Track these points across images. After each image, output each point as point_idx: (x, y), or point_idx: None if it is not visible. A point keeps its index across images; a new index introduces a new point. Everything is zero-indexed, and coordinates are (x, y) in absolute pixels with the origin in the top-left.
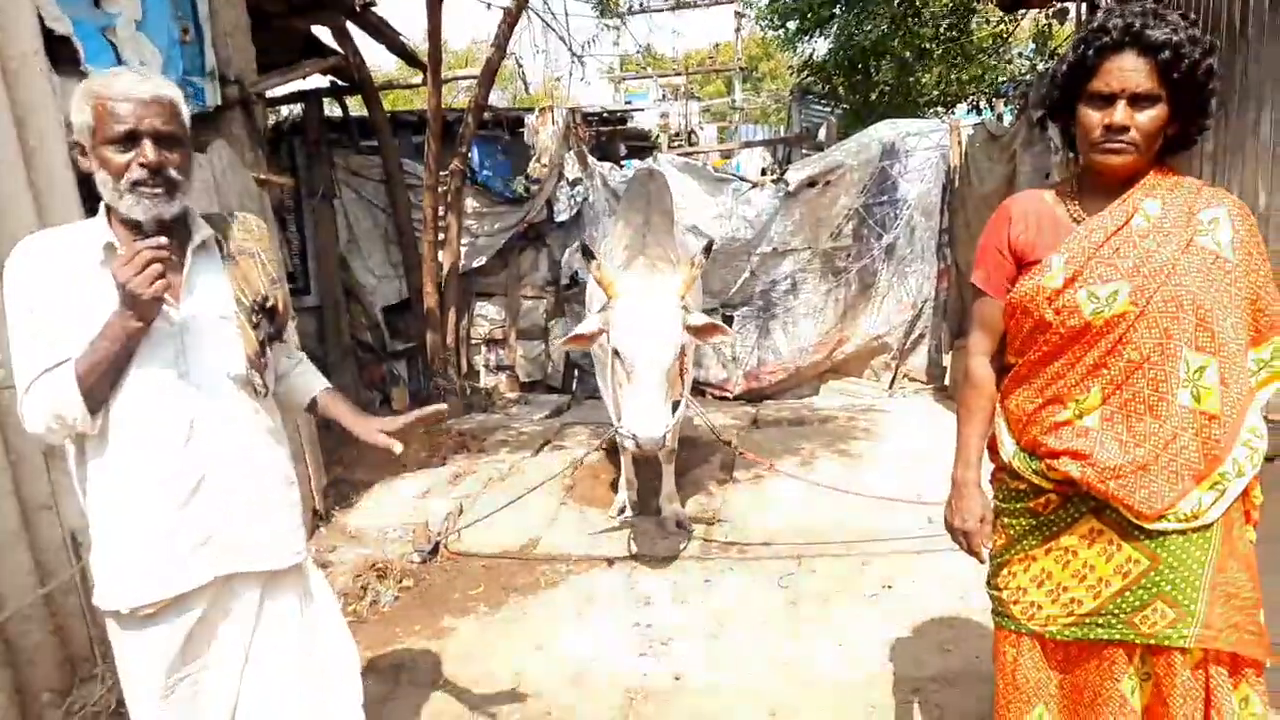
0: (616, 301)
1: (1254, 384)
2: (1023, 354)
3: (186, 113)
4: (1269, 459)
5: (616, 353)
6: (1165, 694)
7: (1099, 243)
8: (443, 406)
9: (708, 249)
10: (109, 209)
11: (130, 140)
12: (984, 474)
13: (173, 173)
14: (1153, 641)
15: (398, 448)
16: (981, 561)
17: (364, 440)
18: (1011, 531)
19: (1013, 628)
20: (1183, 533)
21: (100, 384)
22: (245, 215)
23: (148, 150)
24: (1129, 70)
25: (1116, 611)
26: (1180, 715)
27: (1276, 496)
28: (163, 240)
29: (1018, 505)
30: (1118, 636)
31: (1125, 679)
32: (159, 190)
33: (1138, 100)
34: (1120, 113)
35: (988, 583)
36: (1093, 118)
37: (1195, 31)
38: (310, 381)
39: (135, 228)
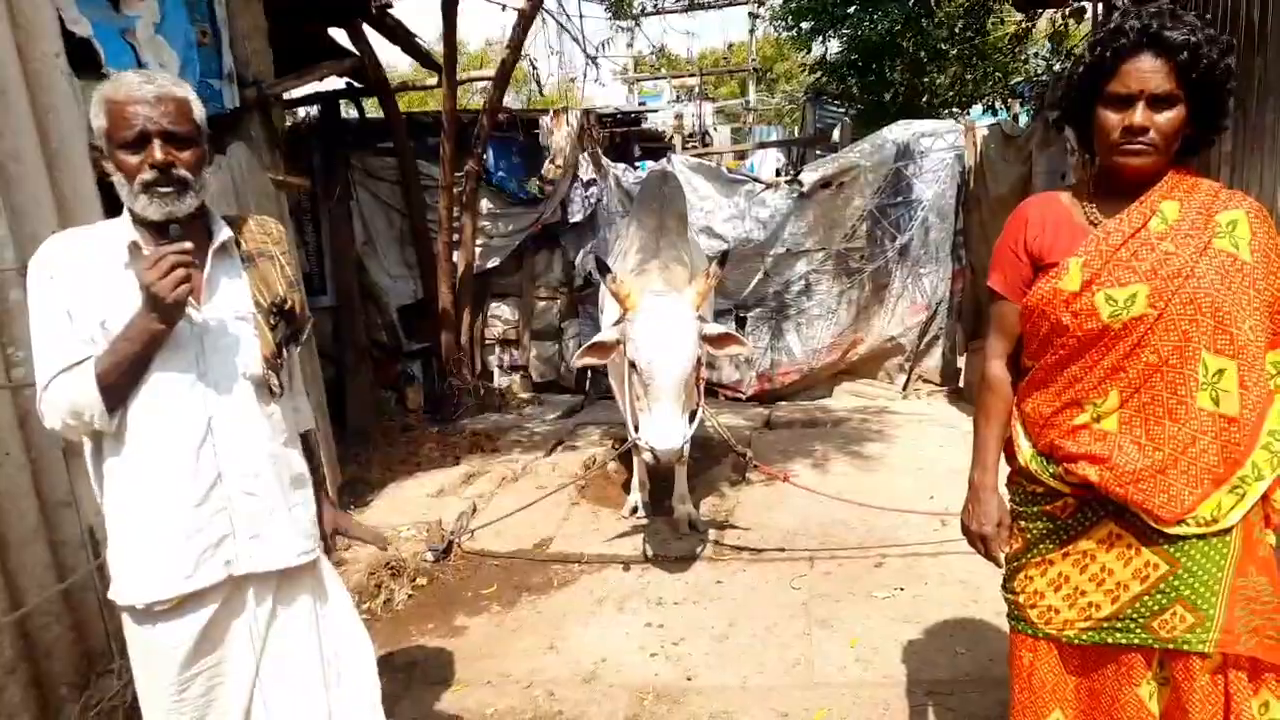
0: (633, 315)
1: (1273, 387)
2: (1040, 357)
3: (200, 111)
4: None
5: (633, 365)
6: (1184, 699)
7: (1116, 245)
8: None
9: (723, 259)
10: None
11: (141, 141)
12: (1001, 477)
13: (182, 171)
14: (1171, 646)
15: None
16: (998, 565)
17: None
18: (1029, 535)
19: (1029, 632)
20: (1202, 537)
21: (120, 383)
22: (264, 217)
23: (155, 150)
24: (1147, 71)
25: (1135, 616)
26: (1199, 718)
27: None
28: (187, 245)
29: (1035, 509)
30: (1136, 641)
31: (1143, 684)
32: (170, 190)
33: (1156, 101)
34: (1140, 114)
35: (1004, 586)
36: (1111, 119)
37: (1213, 31)
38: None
39: (158, 228)
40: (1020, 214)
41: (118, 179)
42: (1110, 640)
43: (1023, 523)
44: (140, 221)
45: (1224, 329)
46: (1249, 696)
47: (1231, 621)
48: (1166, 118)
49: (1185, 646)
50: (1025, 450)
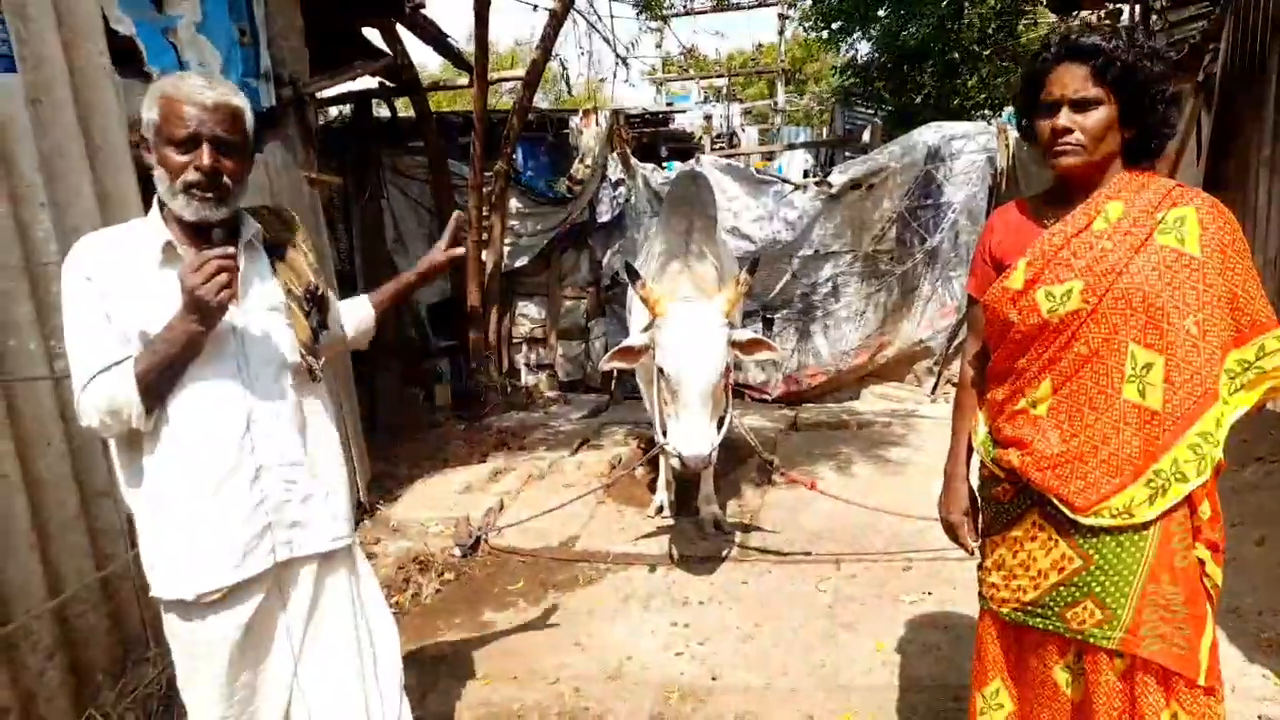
0: (662, 322)
1: (1234, 385)
2: (997, 349)
3: (250, 122)
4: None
5: (662, 372)
6: (1091, 692)
7: (1059, 245)
8: (460, 215)
9: (753, 267)
10: (162, 206)
11: (191, 143)
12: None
13: (226, 180)
14: (1080, 638)
15: (459, 251)
16: (970, 553)
17: (435, 269)
18: (986, 515)
19: (982, 605)
20: (1115, 533)
21: (159, 384)
22: (280, 207)
23: (204, 154)
24: (1067, 78)
25: (1052, 604)
26: (1103, 714)
27: None
28: (230, 250)
29: (986, 492)
30: (1051, 628)
31: (1057, 669)
32: (209, 195)
33: (1079, 105)
34: (1063, 117)
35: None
36: (1043, 126)
37: (1139, 36)
38: (359, 306)
39: (193, 228)
40: (989, 222)
41: (159, 173)
42: (1031, 623)
43: (984, 505)
44: (173, 218)
45: (1155, 324)
46: (1160, 705)
47: (1137, 624)
48: (1090, 119)
49: (1091, 640)
50: (980, 434)
